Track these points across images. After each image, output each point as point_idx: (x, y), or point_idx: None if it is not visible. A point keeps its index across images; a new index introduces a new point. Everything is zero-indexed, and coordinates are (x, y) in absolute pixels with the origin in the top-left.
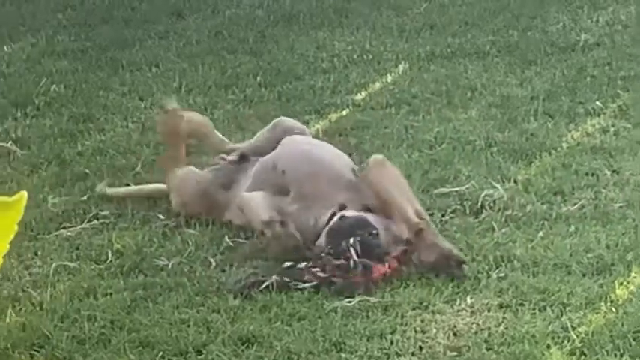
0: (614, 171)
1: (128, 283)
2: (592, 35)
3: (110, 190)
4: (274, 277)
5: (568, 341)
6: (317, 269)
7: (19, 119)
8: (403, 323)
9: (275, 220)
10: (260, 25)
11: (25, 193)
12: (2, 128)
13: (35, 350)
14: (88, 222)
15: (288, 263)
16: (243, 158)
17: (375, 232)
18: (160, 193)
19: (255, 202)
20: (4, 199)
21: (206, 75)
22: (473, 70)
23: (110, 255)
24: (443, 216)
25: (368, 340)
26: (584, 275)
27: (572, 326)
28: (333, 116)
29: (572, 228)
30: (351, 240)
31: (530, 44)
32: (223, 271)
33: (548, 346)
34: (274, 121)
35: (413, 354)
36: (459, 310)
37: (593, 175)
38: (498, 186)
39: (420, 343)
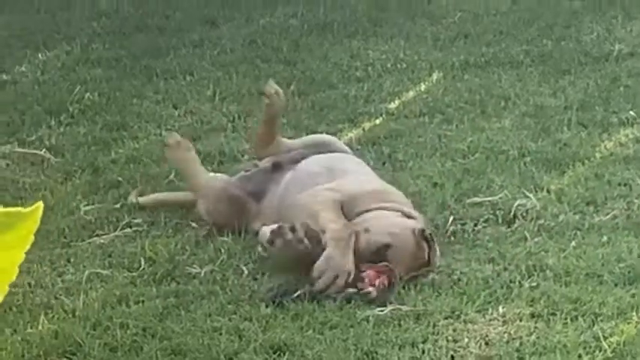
0: None
1: (160, 291)
2: (626, 45)
3: (142, 199)
4: (307, 287)
5: (600, 351)
6: None
7: (53, 127)
8: (435, 332)
9: (285, 227)
10: (294, 34)
11: (41, 204)
12: (36, 136)
13: (67, 358)
14: (121, 230)
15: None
16: (277, 167)
17: None
18: (191, 201)
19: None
20: (20, 209)
21: (240, 83)
22: (506, 79)
23: (143, 263)
24: (475, 225)
25: (400, 349)
26: (616, 285)
27: (603, 336)
28: (367, 125)
29: (605, 238)
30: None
31: (564, 54)
32: (255, 279)
33: (580, 356)
34: (319, 141)
35: None
36: (490, 320)
37: (625, 185)
38: (531, 195)
39: (451, 352)
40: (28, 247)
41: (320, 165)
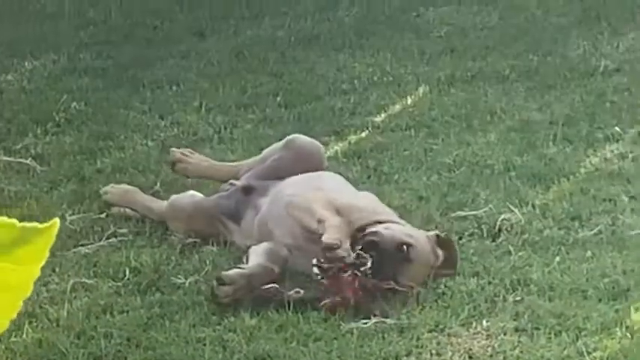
0: (631, 197)
1: (145, 301)
2: (612, 61)
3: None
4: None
5: None
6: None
7: (39, 136)
8: (419, 345)
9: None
10: (281, 46)
11: (57, 221)
12: (22, 144)
13: None
14: (106, 239)
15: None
16: (248, 190)
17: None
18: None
19: (253, 254)
20: (36, 224)
21: (226, 95)
22: (492, 94)
23: (127, 273)
24: (460, 239)
25: None
26: (600, 300)
27: (587, 351)
28: (353, 138)
29: (589, 253)
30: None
31: (550, 69)
32: None
33: None
34: (287, 139)
35: None
36: (474, 334)
37: (610, 200)
38: (516, 210)
39: None
40: (43, 263)
41: (297, 185)
